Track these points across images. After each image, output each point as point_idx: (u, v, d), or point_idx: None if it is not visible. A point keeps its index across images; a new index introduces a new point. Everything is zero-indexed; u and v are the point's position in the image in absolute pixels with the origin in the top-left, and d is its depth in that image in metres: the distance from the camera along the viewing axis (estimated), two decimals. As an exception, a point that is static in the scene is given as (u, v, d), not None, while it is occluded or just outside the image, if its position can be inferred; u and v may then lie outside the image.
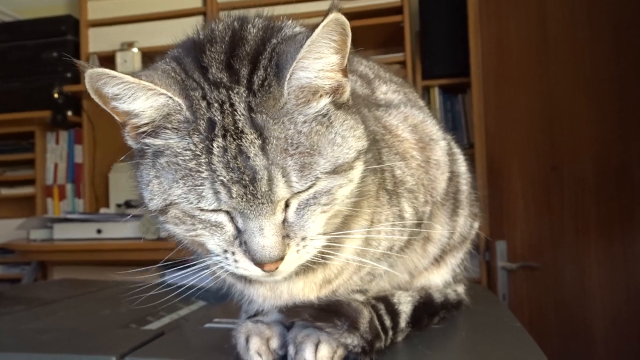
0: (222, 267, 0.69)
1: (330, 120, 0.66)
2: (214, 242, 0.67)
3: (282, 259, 0.64)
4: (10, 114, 3.25)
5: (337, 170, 0.65)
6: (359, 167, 0.68)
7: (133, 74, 0.63)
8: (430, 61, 3.03)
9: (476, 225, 0.99)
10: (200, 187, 0.62)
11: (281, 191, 0.62)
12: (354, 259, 0.75)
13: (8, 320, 1.11)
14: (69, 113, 3.26)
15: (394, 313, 0.82)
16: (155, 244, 2.77)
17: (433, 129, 0.89)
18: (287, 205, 0.65)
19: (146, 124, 0.66)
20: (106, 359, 0.79)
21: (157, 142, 0.65)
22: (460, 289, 1.00)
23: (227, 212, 0.65)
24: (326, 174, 0.64)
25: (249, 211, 0.63)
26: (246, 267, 0.66)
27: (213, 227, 0.66)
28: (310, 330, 0.74)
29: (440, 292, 0.94)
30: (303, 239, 0.66)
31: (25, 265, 3.33)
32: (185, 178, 0.63)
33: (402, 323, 0.83)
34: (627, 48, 3.11)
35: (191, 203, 0.63)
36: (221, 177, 0.61)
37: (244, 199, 0.62)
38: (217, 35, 0.69)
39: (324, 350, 0.72)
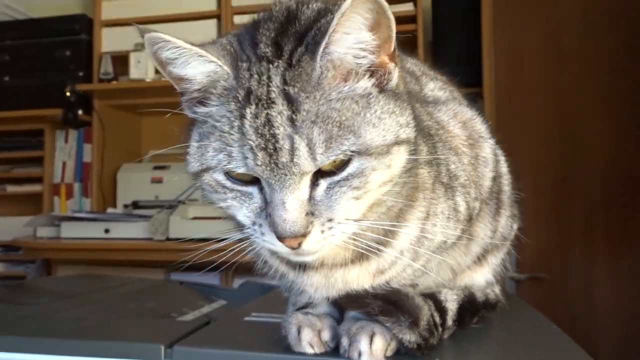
0: (253, 242, 0.71)
1: (369, 102, 0.66)
2: (243, 214, 0.69)
3: (304, 236, 0.65)
4: (21, 111, 3.24)
5: (370, 152, 0.65)
6: (400, 155, 0.68)
7: (188, 42, 0.67)
8: (442, 71, 3.04)
9: (515, 226, 0.99)
10: (231, 148, 0.65)
11: (304, 162, 0.63)
12: (397, 256, 0.76)
13: (38, 310, 1.10)
14: (80, 112, 3.26)
15: (442, 310, 0.82)
16: (164, 245, 2.77)
17: (481, 127, 0.90)
18: (317, 184, 0.66)
19: (197, 90, 0.70)
20: (154, 347, 0.78)
21: (204, 109, 0.69)
22: (497, 289, 1.01)
23: (256, 184, 0.67)
24: (358, 153, 0.64)
25: (273, 181, 0.64)
26: (271, 241, 0.67)
27: (242, 198, 0.68)
28: (364, 322, 0.74)
29: (482, 292, 0.94)
30: (329, 220, 0.66)
31: (29, 264, 3.31)
32: (220, 141, 0.66)
33: (449, 321, 0.83)
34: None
35: (222, 164, 0.66)
36: (250, 141, 0.64)
37: (269, 168, 0.64)
38: (274, 14, 0.71)
39: (379, 342, 0.71)
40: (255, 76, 0.66)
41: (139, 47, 3.11)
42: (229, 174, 0.68)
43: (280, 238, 0.65)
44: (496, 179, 0.91)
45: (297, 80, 0.64)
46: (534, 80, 2.94)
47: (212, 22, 3.17)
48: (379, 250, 0.72)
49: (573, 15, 3.03)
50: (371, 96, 0.67)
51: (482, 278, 0.96)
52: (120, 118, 3.45)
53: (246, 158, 0.64)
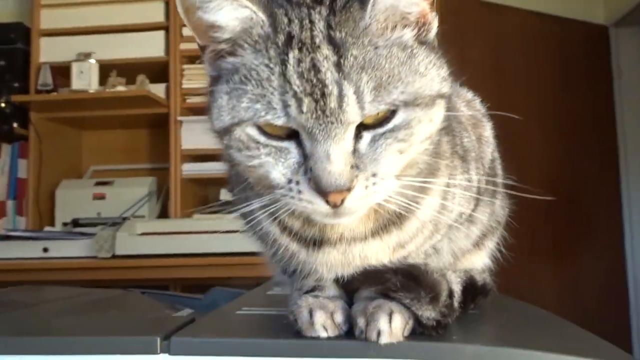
0: (285, 205, 0.66)
1: (413, 52, 0.65)
2: (278, 171, 0.64)
3: (348, 190, 0.61)
4: (-50, 123, 3.00)
5: (417, 102, 0.63)
6: (440, 110, 0.66)
7: None
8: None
9: (507, 211, 0.99)
10: (270, 97, 0.61)
11: (352, 110, 0.60)
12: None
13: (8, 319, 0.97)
14: (15, 125, 3.05)
15: (450, 292, 0.80)
16: (110, 263, 2.60)
17: (482, 108, 0.90)
18: (360, 137, 0.63)
19: (227, 40, 0.66)
20: (150, 339, 0.70)
21: (234, 60, 0.65)
22: (489, 276, 1.00)
23: (293, 138, 0.63)
24: (405, 104, 0.62)
25: (317, 131, 0.60)
26: (309, 199, 0.62)
27: (278, 154, 0.64)
28: (381, 300, 0.70)
29: (480, 276, 0.93)
30: (373, 175, 0.63)
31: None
32: (256, 90, 0.62)
33: (455, 303, 0.81)
34: (573, 84, 3.35)
35: (258, 115, 0.61)
36: (294, 87, 0.60)
37: (314, 115, 0.60)
38: None
39: (398, 320, 0.68)
40: (296, 21, 0.62)
41: (82, 57, 2.97)
42: (262, 129, 0.63)
43: (323, 193, 0.61)
44: (493, 161, 0.91)
45: (342, 25, 0.62)
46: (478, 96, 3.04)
47: (160, 34, 3.08)
48: (408, 212, 0.69)
49: (513, 34, 3.19)
50: (414, 47, 0.65)
51: (480, 262, 0.95)
52: (59, 132, 3.25)
53: (287, 106, 0.60)
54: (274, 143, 0.64)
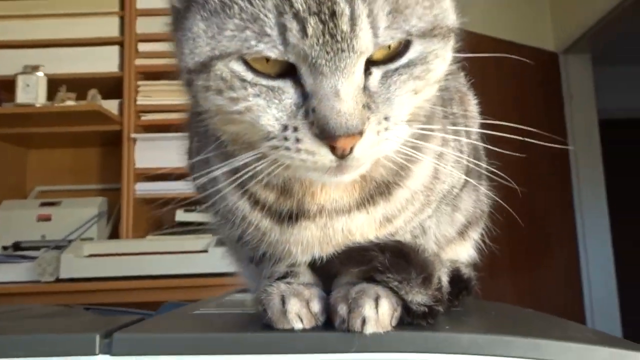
0: (274, 163, 0.55)
1: None
2: (270, 116, 0.53)
3: (360, 134, 0.51)
4: None
5: (435, 32, 0.55)
6: (451, 49, 0.59)
7: None
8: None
9: (490, 201, 0.92)
10: (263, 20, 0.50)
11: (365, 36, 0.51)
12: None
13: None
14: (-49, 142, 2.82)
15: (440, 287, 0.70)
16: (54, 287, 2.39)
17: (466, 84, 0.83)
18: (369, 73, 0.54)
19: None
20: (87, 337, 0.57)
21: None
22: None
23: (289, 75, 0.53)
24: (422, 34, 0.54)
25: (323, 61, 0.51)
26: (311, 148, 0.52)
27: (270, 94, 0.53)
28: (364, 285, 0.60)
29: (466, 267, 0.84)
30: (386, 118, 0.54)
31: None
32: (244, 13, 0.51)
33: (444, 296, 0.71)
34: (527, 106, 3.40)
35: (247, 45, 0.51)
36: (296, 5, 0.50)
37: (320, 41, 0.50)
38: None
39: (385, 306, 0.58)
40: None
41: (29, 70, 2.79)
42: (250, 65, 0.53)
43: (330, 137, 0.51)
44: (476, 150, 0.84)
45: None
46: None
47: (115, 49, 2.94)
48: (399, 179, 0.60)
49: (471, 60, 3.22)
50: None
51: (465, 253, 0.86)
52: (2, 149, 3.03)
53: (286, 32, 0.50)
54: (265, 82, 0.53)
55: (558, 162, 3.61)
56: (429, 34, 0.54)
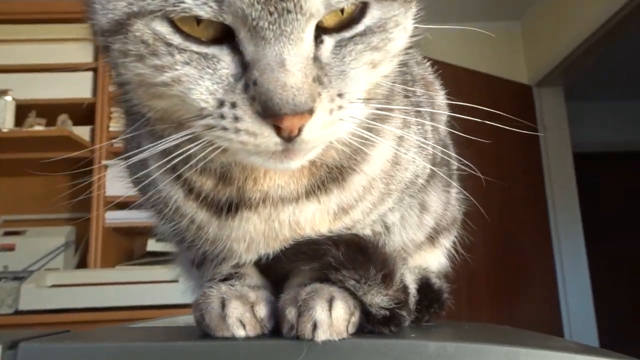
0: (212, 143, 0.47)
1: None
2: (203, 89, 0.46)
3: (310, 113, 0.44)
4: None
5: None
6: (411, 19, 0.52)
7: None
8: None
9: (462, 208, 0.85)
10: None
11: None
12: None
13: None
14: None
15: (404, 286, 0.62)
16: (12, 319, 2.24)
17: (432, 72, 0.77)
18: (320, 42, 0.47)
19: None
20: (-14, 346, 0.48)
21: None
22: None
23: (225, 42, 0.46)
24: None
25: (266, 24, 0.44)
26: (252, 128, 0.45)
27: (202, 62, 0.46)
28: (317, 285, 0.51)
29: (437, 277, 0.76)
30: (339, 95, 0.46)
31: None
32: None
33: (411, 303, 0.63)
34: (504, 137, 3.39)
35: (173, 2, 0.43)
36: None
37: (262, 1, 0.43)
38: None
39: (340, 308, 0.49)
40: None
41: (-4, 94, 2.70)
42: (178, 26, 0.45)
43: (275, 116, 0.43)
44: (446, 137, 0.77)
45: None
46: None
47: (88, 75, 2.88)
48: (354, 164, 0.53)
49: (446, 86, 3.22)
50: None
51: (435, 261, 0.78)
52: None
53: None
54: (197, 48, 0.46)
55: (534, 194, 3.60)
56: None
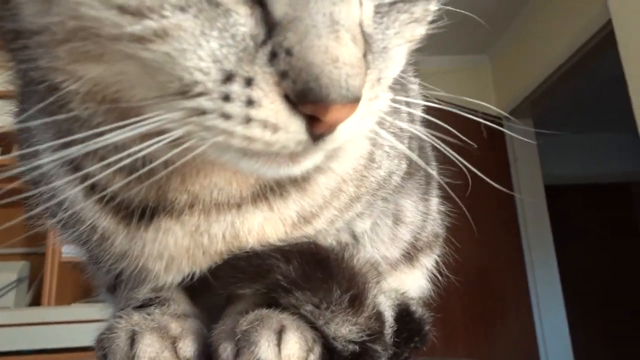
0: (191, 137, 0.32)
1: None
2: (204, 52, 0.31)
3: (357, 102, 0.32)
4: None
5: None
6: None
7: None
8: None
9: (445, 224, 0.73)
10: None
11: None
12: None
13: None
14: None
15: (378, 313, 0.49)
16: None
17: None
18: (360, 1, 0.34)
19: None
20: None
21: None
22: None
23: None
24: None
25: None
26: (274, 119, 0.32)
27: (207, 11, 0.31)
28: (262, 311, 0.38)
29: (418, 304, 0.63)
30: (379, 79, 0.35)
31: None
32: None
33: (387, 336, 0.49)
34: (476, 169, 3.34)
35: None
36: None
37: None
38: None
39: (293, 342, 0.37)
40: None
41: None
42: None
43: (319, 103, 0.31)
44: (423, 147, 0.65)
45: None
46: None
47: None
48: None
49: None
50: None
51: (415, 284, 0.65)
52: None
53: None
54: None
55: (508, 227, 3.55)
56: None
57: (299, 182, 0.43)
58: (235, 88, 0.31)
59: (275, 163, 0.34)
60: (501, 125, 3.62)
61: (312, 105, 0.31)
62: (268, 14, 0.32)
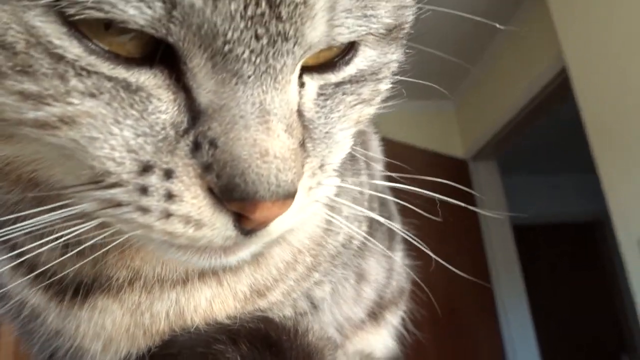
0: (107, 229, 0.30)
1: None
2: (117, 142, 0.28)
3: (293, 196, 0.29)
4: None
5: (393, 34, 0.35)
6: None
7: None
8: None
9: (409, 275, 0.69)
10: None
11: (321, 20, 0.29)
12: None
13: None
14: None
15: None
16: None
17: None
18: (302, 84, 0.32)
19: None
20: None
21: None
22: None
23: (166, 62, 0.28)
24: (379, 36, 0.33)
25: (246, 53, 0.27)
26: (197, 215, 0.28)
27: (121, 96, 0.28)
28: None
29: (385, 366, 0.58)
30: (322, 166, 0.32)
31: None
32: None
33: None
34: (442, 211, 3.36)
35: None
36: None
37: (249, 13, 0.27)
38: None
39: None
40: None
41: None
42: (82, 31, 0.26)
43: (246, 200, 0.28)
44: (384, 202, 0.62)
45: None
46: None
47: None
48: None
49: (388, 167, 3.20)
50: None
51: (381, 344, 0.61)
52: None
53: None
54: (110, 69, 0.28)
55: (478, 268, 3.55)
56: (387, 35, 0.34)
57: (253, 260, 0.39)
58: (154, 180, 0.28)
59: (205, 254, 0.31)
60: (467, 168, 3.67)
61: (238, 202, 0.28)
62: (193, 100, 0.29)
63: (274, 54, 0.28)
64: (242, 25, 0.27)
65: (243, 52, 0.28)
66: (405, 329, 0.67)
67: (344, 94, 0.34)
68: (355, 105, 0.34)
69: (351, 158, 0.47)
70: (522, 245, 3.78)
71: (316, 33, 0.29)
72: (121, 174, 0.29)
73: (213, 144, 0.28)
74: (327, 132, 0.33)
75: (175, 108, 0.29)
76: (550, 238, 4.98)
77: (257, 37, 0.28)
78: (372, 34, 0.33)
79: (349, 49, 0.33)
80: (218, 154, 0.28)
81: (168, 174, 0.29)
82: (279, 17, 0.28)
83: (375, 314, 0.60)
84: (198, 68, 0.29)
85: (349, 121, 0.34)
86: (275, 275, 0.41)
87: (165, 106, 0.29)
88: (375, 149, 0.61)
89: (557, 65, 2.71)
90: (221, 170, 0.28)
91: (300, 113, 0.31)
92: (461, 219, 3.55)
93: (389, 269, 0.62)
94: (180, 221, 0.29)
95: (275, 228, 0.30)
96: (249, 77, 0.28)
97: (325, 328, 0.50)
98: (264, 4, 0.27)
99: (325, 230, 0.44)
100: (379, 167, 0.59)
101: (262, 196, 0.27)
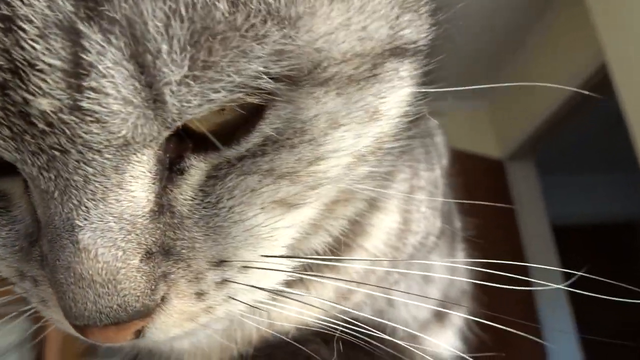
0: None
1: None
2: None
3: (145, 315, 0.26)
4: None
5: (328, 75, 0.25)
6: (400, 84, 0.30)
7: None
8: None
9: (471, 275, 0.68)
10: None
11: (123, 101, 0.23)
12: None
13: None
14: None
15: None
16: None
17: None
18: (181, 167, 0.26)
19: None
20: None
21: None
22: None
23: (14, 174, 0.27)
24: (294, 82, 0.25)
25: (34, 171, 0.25)
26: (59, 320, 0.28)
27: None
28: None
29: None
30: (220, 262, 0.27)
31: None
32: None
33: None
34: (480, 212, 3.30)
35: None
36: None
37: (13, 118, 0.23)
38: None
39: None
40: None
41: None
42: None
43: (73, 325, 0.27)
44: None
45: None
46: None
47: None
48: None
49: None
50: None
51: (446, 342, 0.60)
52: None
53: None
54: None
55: (516, 271, 3.48)
56: (315, 79, 0.25)
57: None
58: (28, 286, 0.29)
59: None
60: (503, 168, 3.59)
61: (72, 325, 0.27)
62: (38, 212, 0.28)
63: (65, 167, 0.25)
64: (11, 143, 0.25)
65: (31, 171, 0.26)
66: (471, 331, 0.66)
67: (244, 173, 0.27)
68: (263, 185, 0.27)
69: (426, 152, 0.47)
70: (561, 246, 3.68)
71: (130, 126, 0.24)
72: (10, 278, 0.31)
73: (45, 260, 0.27)
74: (217, 226, 0.27)
75: (29, 218, 0.29)
76: (590, 239, 4.84)
77: (34, 153, 0.25)
78: (265, 88, 0.24)
79: (254, 108, 0.26)
80: (48, 273, 0.27)
81: (35, 281, 0.29)
82: (43, 132, 0.24)
83: (439, 314, 0.59)
84: (29, 182, 0.27)
85: (257, 206, 0.27)
86: (356, 278, 0.40)
87: (22, 215, 0.29)
88: (441, 143, 0.60)
89: (597, 61, 2.63)
90: (54, 289, 0.27)
91: (169, 207, 0.27)
92: (497, 220, 3.50)
93: (452, 268, 0.61)
94: (58, 322, 0.30)
95: (156, 337, 0.28)
96: (53, 192, 0.26)
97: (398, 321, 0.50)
98: (24, 123, 0.24)
99: (403, 231, 0.43)
100: (444, 162, 0.59)
101: (85, 323, 0.26)
